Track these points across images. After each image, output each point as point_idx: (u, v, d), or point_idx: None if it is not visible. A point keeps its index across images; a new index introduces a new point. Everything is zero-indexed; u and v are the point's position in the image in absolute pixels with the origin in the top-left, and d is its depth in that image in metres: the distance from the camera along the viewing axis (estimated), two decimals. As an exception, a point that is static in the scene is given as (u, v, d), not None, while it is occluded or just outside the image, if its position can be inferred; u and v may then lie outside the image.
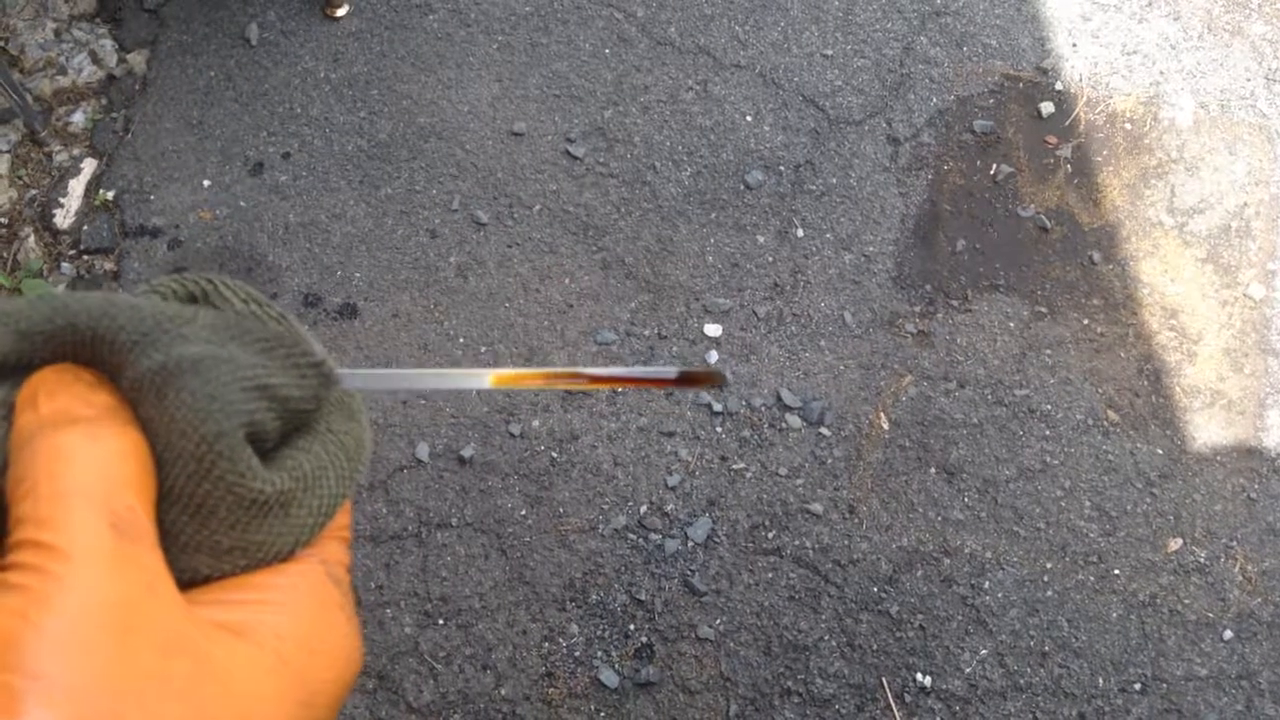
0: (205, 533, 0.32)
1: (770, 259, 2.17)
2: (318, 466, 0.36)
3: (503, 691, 1.79)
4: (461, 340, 2.06)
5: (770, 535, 1.93)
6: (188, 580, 0.33)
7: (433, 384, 0.38)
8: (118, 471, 0.30)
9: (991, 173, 2.30)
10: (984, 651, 1.87)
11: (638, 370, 0.40)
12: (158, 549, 0.30)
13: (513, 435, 1.97)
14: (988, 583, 1.92)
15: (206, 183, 2.19)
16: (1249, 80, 2.41)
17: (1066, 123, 2.36)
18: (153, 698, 0.27)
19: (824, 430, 2.01)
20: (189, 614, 0.30)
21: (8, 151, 2.22)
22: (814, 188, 2.25)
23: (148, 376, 0.31)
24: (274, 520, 0.34)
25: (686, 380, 0.39)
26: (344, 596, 0.37)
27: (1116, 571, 1.94)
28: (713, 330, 2.09)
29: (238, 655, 0.30)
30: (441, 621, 1.83)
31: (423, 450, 1.95)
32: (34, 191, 2.20)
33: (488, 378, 0.38)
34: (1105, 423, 2.06)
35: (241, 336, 0.34)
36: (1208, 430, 2.07)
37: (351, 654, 0.36)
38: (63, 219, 2.16)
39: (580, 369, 0.39)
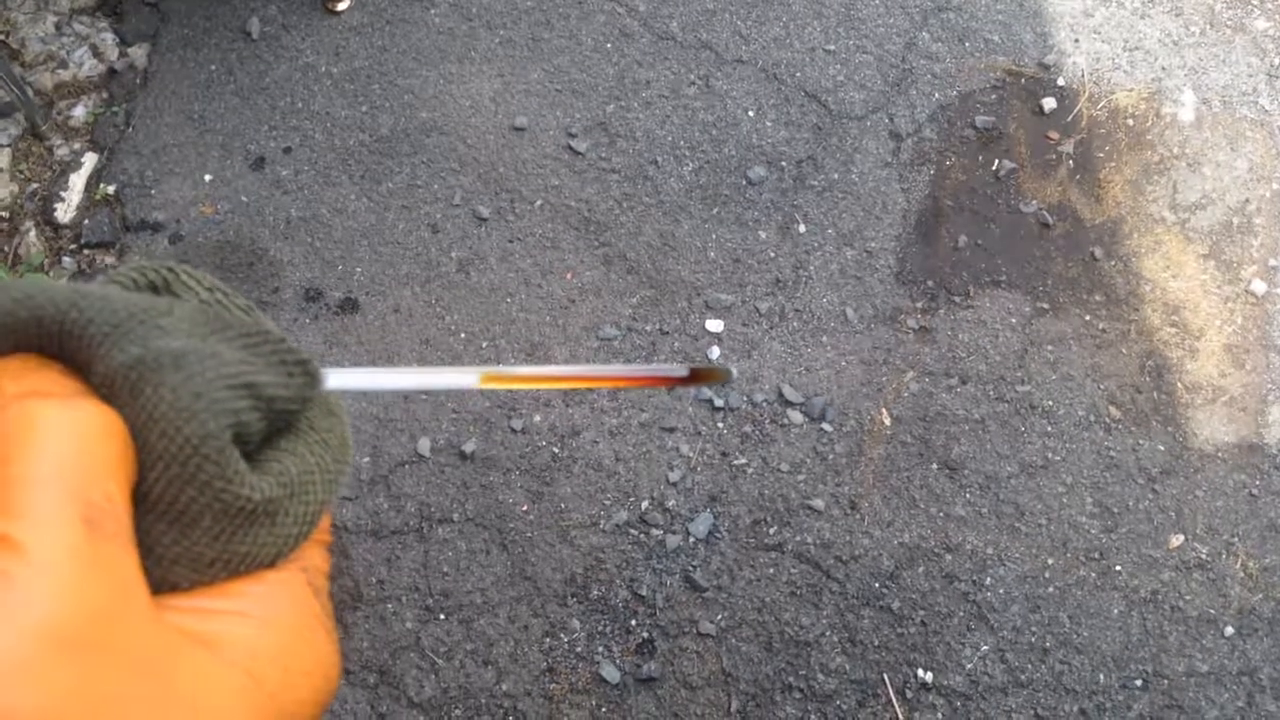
0: (186, 543, 0.29)
1: (772, 254, 2.17)
2: (304, 470, 0.33)
3: (504, 687, 1.79)
4: (463, 335, 2.06)
5: (772, 531, 1.93)
6: (167, 591, 0.30)
7: (420, 383, 0.36)
8: (99, 451, 0.26)
9: (993, 168, 2.30)
10: (985, 647, 1.87)
11: (642, 368, 0.37)
12: (133, 547, 0.27)
13: (514, 430, 1.97)
14: (989, 579, 1.92)
15: (208, 177, 2.19)
16: (1251, 76, 2.40)
17: (1068, 118, 2.36)
18: None
19: (826, 426, 2.01)
20: (160, 627, 0.27)
21: (8, 146, 2.22)
22: (816, 183, 2.25)
23: (121, 371, 0.28)
24: (260, 530, 0.31)
25: (695, 378, 0.37)
26: (324, 608, 0.35)
27: (1118, 568, 1.94)
28: (714, 326, 2.09)
29: (207, 674, 0.28)
30: (443, 617, 1.83)
31: (424, 445, 1.95)
32: (35, 186, 2.20)
33: (476, 377, 0.35)
34: (1107, 419, 2.06)
35: (223, 331, 0.31)
36: (1209, 426, 2.07)
37: (329, 672, 0.33)
38: (64, 213, 2.16)
39: (577, 368, 0.37)
